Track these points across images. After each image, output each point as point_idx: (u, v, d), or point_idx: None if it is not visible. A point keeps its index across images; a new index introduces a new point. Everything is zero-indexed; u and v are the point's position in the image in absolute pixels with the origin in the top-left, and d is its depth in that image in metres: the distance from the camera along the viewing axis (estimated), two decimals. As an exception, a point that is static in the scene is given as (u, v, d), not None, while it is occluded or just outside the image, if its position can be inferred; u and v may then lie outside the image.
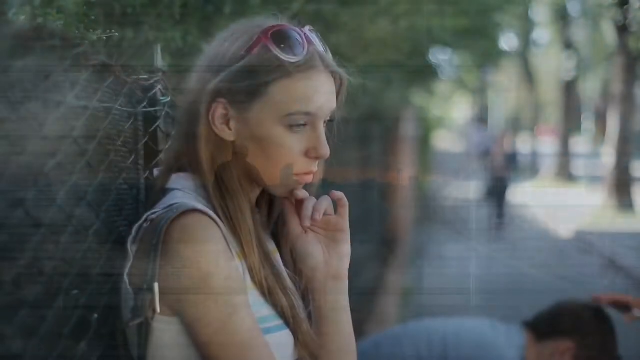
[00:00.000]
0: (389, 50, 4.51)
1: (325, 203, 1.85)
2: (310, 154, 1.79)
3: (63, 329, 1.56)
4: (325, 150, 1.79)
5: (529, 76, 34.09)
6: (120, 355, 1.70)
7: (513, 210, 18.60)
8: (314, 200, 1.85)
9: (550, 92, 37.55)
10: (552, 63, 34.51)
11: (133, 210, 1.92)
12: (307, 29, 1.82)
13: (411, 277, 11.49)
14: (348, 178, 8.44)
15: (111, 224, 1.81)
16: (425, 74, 9.76)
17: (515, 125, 38.16)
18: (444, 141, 46.11)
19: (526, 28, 31.67)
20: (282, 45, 1.75)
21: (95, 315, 1.66)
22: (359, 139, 9.48)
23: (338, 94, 1.86)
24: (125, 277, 1.69)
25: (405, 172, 14.58)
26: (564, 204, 19.94)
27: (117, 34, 2.23)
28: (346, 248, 1.89)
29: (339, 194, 1.87)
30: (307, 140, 1.78)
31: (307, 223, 1.83)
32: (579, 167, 27.25)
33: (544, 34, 33.39)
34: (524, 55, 34.02)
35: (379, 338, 3.77)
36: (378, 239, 11.65)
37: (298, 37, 1.78)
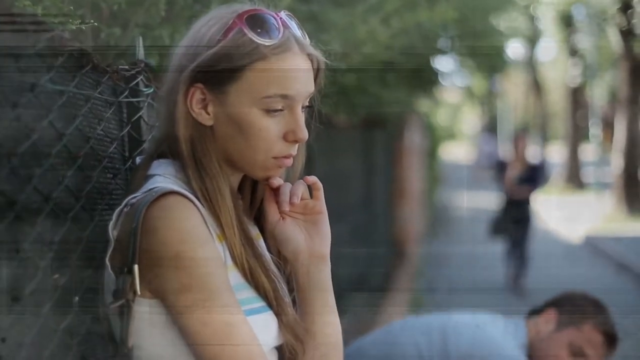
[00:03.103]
0: (385, 50, 4.52)
1: (302, 187, 1.86)
2: (288, 137, 1.80)
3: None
4: (304, 134, 1.80)
5: (536, 84, 34.11)
6: (103, 338, 1.71)
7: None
8: (289, 185, 1.86)
9: (557, 100, 37.53)
10: (559, 71, 34.49)
11: (116, 198, 1.93)
12: (283, 13, 1.83)
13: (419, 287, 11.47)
14: (353, 185, 8.45)
15: (92, 209, 1.82)
16: (429, 79, 9.75)
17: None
18: (453, 152, 46.05)
19: (532, 36, 31.67)
20: (258, 29, 1.76)
21: (77, 298, 1.67)
22: (363, 146, 9.50)
23: (316, 77, 1.87)
24: (107, 262, 1.71)
25: (413, 181, 14.58)
26: (574, 211, 19.89)
27: (97, 25, 2.24)
28: (326, 229, 1.90)
29: (313, 178, 1.89)
30: (285, 123, 1.79)
31: (286, 208, 1.85)
32: (588, 174, 27.18)
33: (550, 41, 33.31)
34: (531, 63, 34.04)
35: (378, 334, 3.77)
36: (385, 247, 11.65)
37: (273, 20, 1.79)
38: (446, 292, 10.42)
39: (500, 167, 12.26)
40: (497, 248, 11.78)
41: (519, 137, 12.27)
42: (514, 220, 11.58)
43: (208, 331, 1.66)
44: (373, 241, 10.40)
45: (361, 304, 7.87)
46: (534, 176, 11.75)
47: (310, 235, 1.88)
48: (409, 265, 12.60)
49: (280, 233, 1.87)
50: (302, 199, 1.87)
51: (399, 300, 9.73)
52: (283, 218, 1.87)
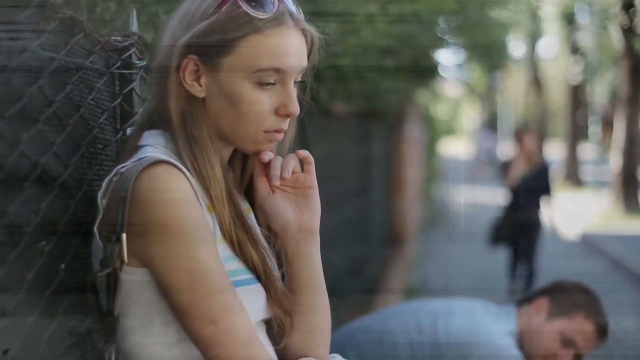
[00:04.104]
0: (383, 37, 4.52)
1: (293, 162, 1.86)
2: (280, 111, 1.79)
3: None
4: (295, 108, 1.80)
5: (537, 81, 34.10)
6: (89, 307, 1.70)
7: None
8: (280, 159, 1.86)
9: (558, 98, 37.55)
10: (560, 68, 34.50)
11: (106, 168, 1.93)
12: None
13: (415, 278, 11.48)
14: (350, 175, 8.45)
15: (81, 178, 1.82)
16: (429, 70, 9.74)
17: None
18: (452, 147, 46.06)
19: (534, 33, 31.66)
20: (252, 2, 1.76)
21: (63, 265, 1.66)
22: (360, 135, 9.49)
23: (309, 53, 1.86)
24: (95, 230, 1.71)
25: (411, 174, 14.58)
26: (572, 208, 19.90)
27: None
28: (316, 203, 1.90)
29: (305, 152, 1.89)
30: (277, 97, 1.79)
31: (277, 182, 1.84)
32: (586, 172, 27.20)
33: (551, 39, 33.34)
34: (532, 60, 34.04)
35: (369, 319, 3.77)
36: (381, 239, 11.66)
37: None
38: (441, 285, 10.42)
39: (504, 165, 11.25)
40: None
41: (525, 132, 10.88)
42: (519, 227, 9.93)
43: (195, 299, 1.66)
44: (369, 232, 10.41)
45: (355, 295, 7.88)
46: (543, 176, 10.24)
47: (300, 209, 1.88)
48: (405, 258, 12.61)
49: (269, 207, 1.87)
50: (293, 173, 1.86)
51: (393, 292, 9.73)
52: (273, 192, 1.87)
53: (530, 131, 11.40)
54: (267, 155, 1.85)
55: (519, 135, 10.96)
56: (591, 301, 3.46)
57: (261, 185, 1.87)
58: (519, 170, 10.09)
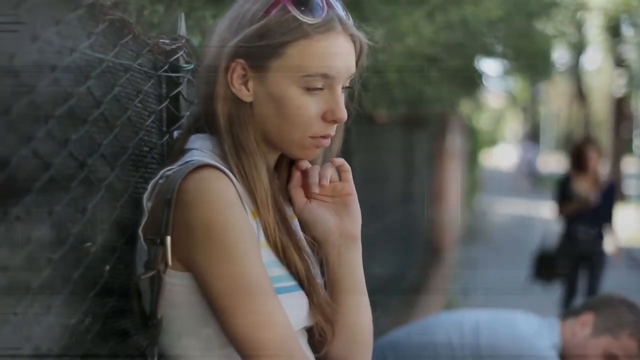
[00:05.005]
0: (428, 45, 4.50)
1: (330, 170, 1.86)
2: (327, 116, 1.78)
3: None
4: (343, 114, 1.79)
5: (580, 93, 33.84)
6: (133, 309, 1.70)
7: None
8: (318, 168, 1.86)
9: (601, 110, 37.25)
10: (604, 80, 34.24)
11: (152, 171, 1.93)
12: None
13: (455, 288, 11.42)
14: (391, 183, 8.43)
15: (127, 180, 1.82)
16: (473, 80, 9.68)
17: (567, 144, 37.78)
18: (494, 158, 45.87)
19: (578, 45, 31.44)
20: (302, 7, 1.76)
21: (107, 267, 1.66)
22: (402, 144, 9.46)
23: (358, 59, 1.85)
24: (140, 232, 1.71)
25: (452, 184, 14.53)
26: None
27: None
28: (356, 210, 1.89)
29: (341, 160, 1.88)
30: (324, 102, 1.78)
31: (316, 189, 1.84)
32: (629, 186, 26.95)
33: (596, 51, 33.08)
34: (576, 72, 33.79)
35: (411, 328, 3.76)
36: (421, 249, 11.62)
37: None
38: (481, 294, 10.35)
39: (562, 184, 8.53)
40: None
41: (589, 146, 8.54)
42: (578, 262, 8.22)
43: (238, 305, 1.65)
44: (409, 242, 10.37)
45: (396, 304, 7.85)
46: (608, 199, 8.31)
47: (340, 216, 1.87)
48: (445, 269, 12.56)
49: (309, 216, 1.86)
50: (331, 182, 1.86)
51: (433, 302, 9.69)
52: (310, 201, 1.86)
53: (594, 144, 8.74)
54: (305, 164, 1.86)
55: (580, 149, 8.57)
56: (637, 319, 3.41)
57: (298, 196, 1.87)
58: (584, 192, 8.21)
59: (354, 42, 1.83)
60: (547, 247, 8.51)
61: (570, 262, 8.20)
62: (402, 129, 9.11)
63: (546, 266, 8.33)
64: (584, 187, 8.21)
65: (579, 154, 8.45)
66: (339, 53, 1.78)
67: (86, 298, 1.61)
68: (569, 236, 8.29)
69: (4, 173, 1.29)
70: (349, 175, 1.88)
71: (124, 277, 1.77)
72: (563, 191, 8.43)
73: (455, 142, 14.98)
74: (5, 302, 1.37)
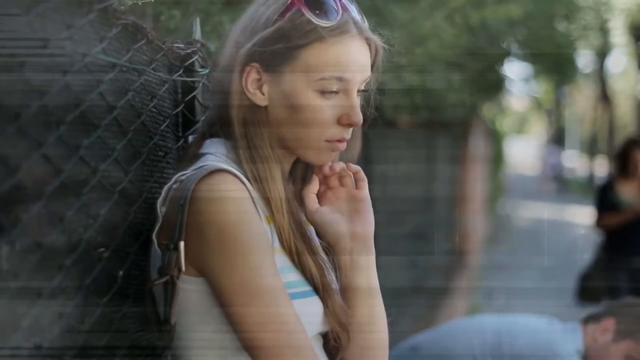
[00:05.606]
0: (449, 49, 4.48)
1: (341, 164, 1.87)
2: (342, 120, 1.77)
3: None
4: (358, 117, 1.78)
5: (605, 96, 33.65)
6: (147, 314, 1.69)
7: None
8: (329, 163, 1.86)
9: (626, 113, 37.03)
10: (628, 83, 34.05)
11: (167, 176, 1.92)
12: None
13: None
14: (414, 188, 8.40)
15: (141, 185, 1.81)
16: (496, 83, 9.63)
17: (592, 148, 37.60)
18: (518, 162, 45.67)
19: (602, 48, 31.29)
20: (316, 10, 1.75)
21: (121, 272, 1.65)
22: (425, 148, 9.44)
23: (373, 63, 1.84)
24: (154, 237, 1.70)
25: (476, 188, 14.48)
26: None
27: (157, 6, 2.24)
28: (369, 215, 1.88)
29: (356, 167, 1.88)
30: (339, 106, 1.77)
31: (327, 170, 1.85)
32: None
33: (620, 53, 32.90)
34: (600, 75, 33.61)
35: (433, 332, 3.74)
36: (445, 253, 11.58)
37: (332, 2, 1.77)
38: (505, 298, 10.29)
39: (604, 192, 7.46)
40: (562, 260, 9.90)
41: (636, 148, 7.28)
42: (622, 279, 6.94)
43: (252, 311, 1.64)
44: (432, 246, 10.33)
45: (420, 308, 7.82)
46: None
47: (352, 221, 1.86)
48: (469, 273, 12.51)
49: (320, 220, 1.86)
50: (346, 187, 1.87)
51: (457, 306, 9.65)
52: (322, 206, 1.87)
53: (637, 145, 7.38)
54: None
55: (627, 152, 7.39)
56: None
57: (310, 200, 1.87)
58: (631, 199, 7.17)
59: (369, 45, 1.81)
60: (589, 266, 7.65)
61: (614, 278, 7.00)
62: (425, 133, 9.08)
63: (588, 283, 7.42)
64: (633, 195, 7.17)
65: (625, 157, 7.29)
66: (354, 56, 1.77)
67: (99, 304, 1.60)
68: (610, 249, 7.28)
69: (17, 178, 1.28)
70: (364, 184, 1.88)
71: (137, 282, 1.76)
72: (606, 199, 7.32)
73: (478, 146, 14.92)
74: (18, 308, 1.36)
